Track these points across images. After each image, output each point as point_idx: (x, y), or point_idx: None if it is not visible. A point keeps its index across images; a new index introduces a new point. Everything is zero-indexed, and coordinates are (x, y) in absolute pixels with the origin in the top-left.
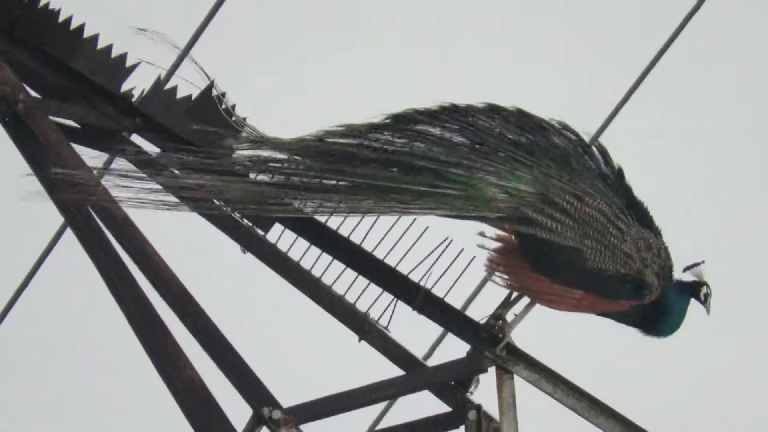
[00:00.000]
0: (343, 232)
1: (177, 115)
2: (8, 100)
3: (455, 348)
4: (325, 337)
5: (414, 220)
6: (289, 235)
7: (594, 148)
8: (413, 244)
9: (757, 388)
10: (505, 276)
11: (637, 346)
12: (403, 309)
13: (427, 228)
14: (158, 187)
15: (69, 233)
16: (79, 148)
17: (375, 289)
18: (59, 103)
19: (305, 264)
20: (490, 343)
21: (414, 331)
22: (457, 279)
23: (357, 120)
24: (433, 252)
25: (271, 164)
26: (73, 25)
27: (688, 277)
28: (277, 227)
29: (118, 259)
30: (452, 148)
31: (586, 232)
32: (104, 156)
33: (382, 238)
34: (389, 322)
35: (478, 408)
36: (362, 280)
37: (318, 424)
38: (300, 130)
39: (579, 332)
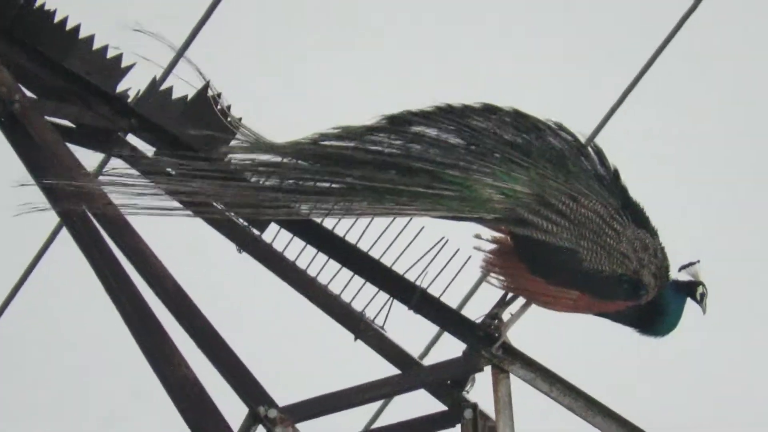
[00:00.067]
0: (339, 231)
1: (172, 116)
2: (4, 100)
3: (451, 347)
4: (320, 337)
5: (410, 220)
6: (285, 235)
7: (590, 149)
8: (409, 244)
9: (753, 387)
10: (502, 277)
11: (633, 346)
12: (399, 308)
13: (422, 228)
14: (157, 192)
15: (64, 232)
16: (74, 149)
17: (371, 289)
18: (55, 104)
19: (301, 264)
20: (486, 342)
21: (410, 331)
22: (453, 278)
23: (354, 121)
24: (428, 252)
25: (265, 167)
26: (69, 25)
27: (683, 276)
28: (273, 227)
29: (114, 258)
30: (448, 150)
31: (582, 233)
32: (100, 156)
33: (378, 238)
34: (385, 322)
35: (474, 407)
36: (358, 280)
37: (314, 423)
38: (300, 130)
39: (575, 332)
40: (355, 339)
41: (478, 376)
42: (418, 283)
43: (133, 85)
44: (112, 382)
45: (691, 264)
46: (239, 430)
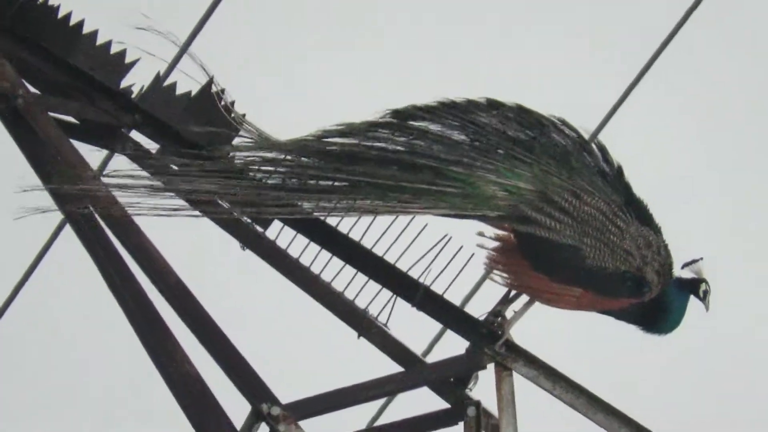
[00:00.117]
0: (343, 229)
1: (176, 112)
2: (8, 95)
3: (454, 345)
4: (324, 334)
5: (412, 218)
6: (289, 232)
7: (593, 145)
8: (412, 241)
9: (756, 385)
10: (505, 274)
11: (636, 344)
12: (403, 306)
13: (426, 225)
14: (162, 191)
15: (67, 229)
16: (78, 144)
17: (374, 286)
18: (58, 99)
19: (304, 261)
20: (489, 339)
21: (413, 328)
22: (456, 276)
23: (356, 119)
24: (432, 249)
25: (269, 165)
26: (73, 21)
27: (687, 274)
28: (277, 224)
29: (118, 255)
30: (452, 146)
31: (585, 231)
32: (103, 152)
33: (382, 235)
34: (388, 319)
35: (477, 404)
36: (361, 277)
37: (317, 421)
38: (300, 130)
39: (578, 329)
40: (359, 336)
41: (481, 373)
42: (421, 280)
43: (137, 80)
44: (114, 380)
45: (694, 261)
46: (242, 428)
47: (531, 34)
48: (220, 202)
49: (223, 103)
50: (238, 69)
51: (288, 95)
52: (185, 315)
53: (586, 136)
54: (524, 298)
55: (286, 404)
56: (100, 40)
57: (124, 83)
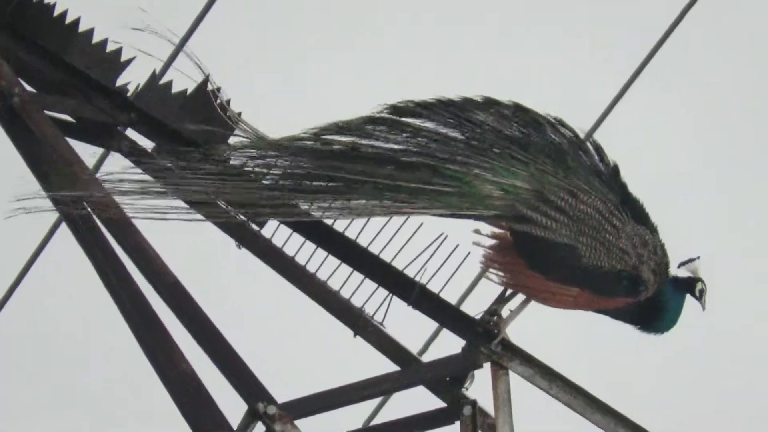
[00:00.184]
0: (339, 227)
1: (172, 110)
2: (4, 93)
3: (450, 344)
4: (319, 333)
5: (407, 218)
6: (284, 231)
7: (589, 145)
8: (408, 240)
9: (754, 383)
10: (501, 273)
11: (633, 343)
12: (398, 304)
13: (422, 224)
14: (159, 190)
15: (64, 227)
16: (73, 143)
17: (370, 285)
18: (54, 98)
19: (300, 259)
20: (485, 338)
21: (409, 327)
22: (453, 274)
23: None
24: (428, 248)
25: (263, 165)
26: (68, 19)
27: (683, 273)
28: (272, 222)
29: (114, 254)
30: (448, 144)
31: (581, 230)
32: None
33: (377, 234)
34: (384, 318)
35: (473, 404)
36: (357, 276)
37: (313, 420)
38: (298, 129)
39: (575, 329)
40: (355, 335)
41: (477, 372)
42: (417, 279)
43: (132, 79)
44: (113, 379)
45: (690, 260)
46: (238, 427)
47: (529, 32)
48: (218, 203)
49: (218, 101)
50: (235, 67)
51: (286, 94)
52: (182, 315)
53: (582, 136)
54: (520, 297)
55: (282, 403)
56: (96, 38)
57: (120, 81)
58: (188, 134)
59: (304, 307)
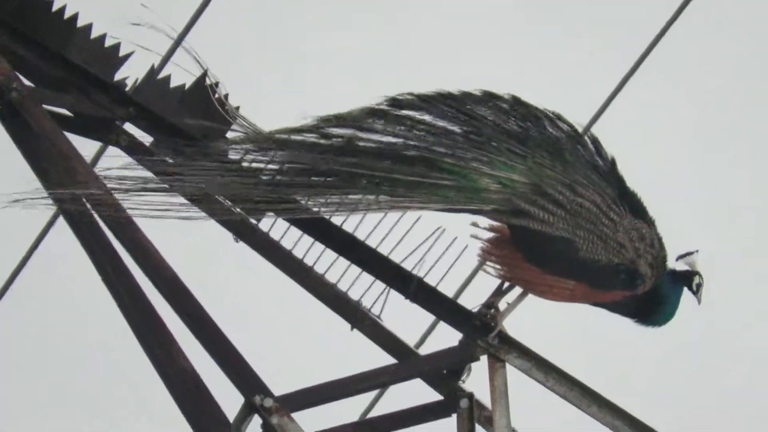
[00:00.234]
0: (336, 221)
1: (171, 104)
2: (2, 88)
3: (447, 336)
4: (317, 326)
5: (404, 212)
6: (282, 224)
7: (587, 139)
8: (406, 233)
9: (753, 378)
10: (498, 266)
11: (631, 336)
12: (396, 297)
13: (419, 217)
14: (161, 186)
15: (61, 221)
16: (72, 137)
17: (367, 278)
18: (53, 92)
19: (298, 253)
20: (482, 331)
21: (406, 320)
22: (450, 268)
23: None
24: (425, 241)
25: (261, 159)
26: (67, 14)
27: (680, 266)
28: (270, 214)
29: (112, 249)
30: (446, 138)
31: (578, 223)
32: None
33: (375, 227)
34: (381, 311)
35: (470, 396)
36: (354, 269)
37: (310, 413)
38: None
39: (572, 322)
40: (352, 328)
41: (474, 365)
42: (415, 272)
43: (131, 73)
44: (108, 374)
45: (689, 254)
46: (235, 420)
47: (526, 29)
48: (216, 198)
49: (216, 96)
50: (233, 62)
51: (285, 88)
52: (180, 309)
53: (580, 130)
54: (518, 290)
55: (278, 396)
56: (95, 33)
57: (118, 76)
58: (187, 129)
59: (301, 301)
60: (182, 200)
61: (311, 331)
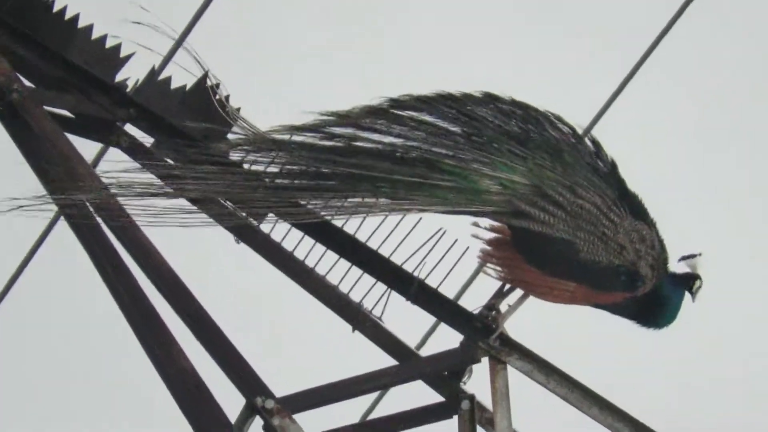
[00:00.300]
0: (337, 222)
1: (171, 105)
2: (2, 89)
3: (448, 338)
4: (318, 328)
5: (406, 213)
6: (283, 225)
7: (587, 140)
8: (407, 235)
9: (754, 381)
10: (499, 268)
11: (632, 338)
12: (397, 299)
13: (420, 218)
14: (163, 190)
15: (62, 222)
16: (73, 138)
17: (369, 280)
18: (54, 93)
19: (299, 254)
20: (483, 333)
21: (407, 322)
22: (451, 269)
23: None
24: (426, 242)
25: (261, 161)
26: (68, 15)
27: (682, 268)
28: (271, 217)
29: (112, 249)
30: (447, 139)
31: (578, 225)
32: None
33: (376, 229)
34: (383, 313)
35: (471, 398)
36: (356, 271)
37: (311, 414)
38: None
39: (573, 323)
40: (353, 330)
41: (475, 367)
42: (415, 274)
43: (132, 74)
44: (109, 375)
45: (692, 256)
46: (236, 421)
47: (527, 30)
48: (218, 200)
49: (217, 97)
50: (234, 62)
51: (285, 89)
52: (181, 310)
53: (580, 132)
54: (519, 292)
55: (280, 398)
56: (96, 34)
57: (119, 77)
58: (187, 130)
59: (302, 302)
60: (184, 203)
61: (312, 332)
